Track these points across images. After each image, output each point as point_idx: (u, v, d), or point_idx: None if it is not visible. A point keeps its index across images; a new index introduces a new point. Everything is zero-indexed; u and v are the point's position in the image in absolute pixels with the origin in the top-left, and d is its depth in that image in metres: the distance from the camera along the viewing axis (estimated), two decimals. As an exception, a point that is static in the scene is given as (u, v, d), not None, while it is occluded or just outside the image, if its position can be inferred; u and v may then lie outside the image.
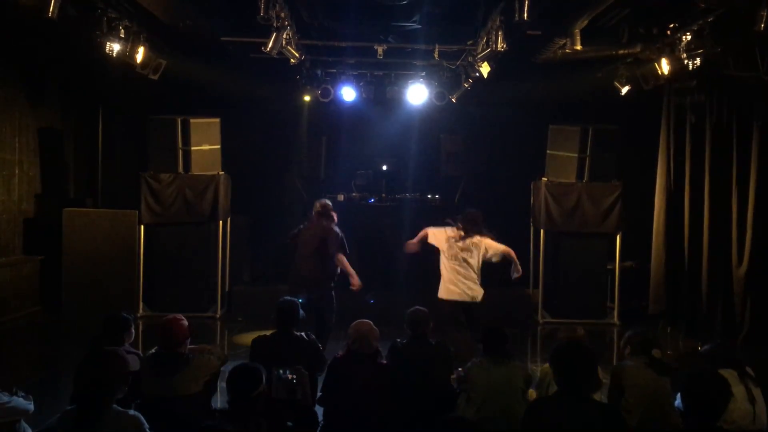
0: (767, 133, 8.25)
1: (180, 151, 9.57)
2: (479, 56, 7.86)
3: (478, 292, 6.75)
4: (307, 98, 10.71)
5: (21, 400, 4.04)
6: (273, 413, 3.75)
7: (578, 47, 7.52)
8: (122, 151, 10.97)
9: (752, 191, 8.31)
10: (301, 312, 5.20)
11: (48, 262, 9.53)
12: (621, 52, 8.44)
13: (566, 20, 7.19)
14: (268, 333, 5.07)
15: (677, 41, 7.49)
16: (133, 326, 4.89)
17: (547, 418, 3.51)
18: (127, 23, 7.79)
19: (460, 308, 6.76)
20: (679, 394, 3.55)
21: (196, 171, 9.64)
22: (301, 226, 7.40)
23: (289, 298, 5.28)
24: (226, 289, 10.00)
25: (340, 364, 4.67)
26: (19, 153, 9.45)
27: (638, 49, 8.31)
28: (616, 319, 9.66)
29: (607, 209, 9.61)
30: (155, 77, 8.98)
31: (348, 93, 10.47)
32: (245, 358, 5.04)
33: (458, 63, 9.21)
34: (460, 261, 6.75)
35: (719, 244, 8.74)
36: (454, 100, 10.50)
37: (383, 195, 10.89)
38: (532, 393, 4.75)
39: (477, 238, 6.79)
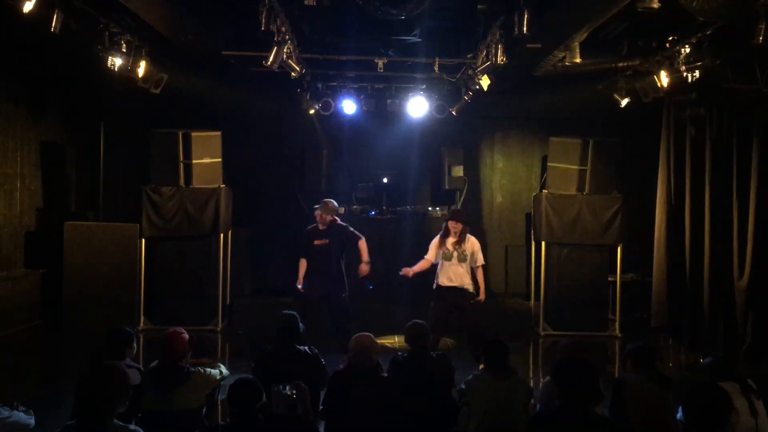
0: (767, 146, 8.27)
1: (181, 165, 9.59)
2: (479, 69, 7.90)
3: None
4: (309, 111, 10.74)
5: (22, 414, 4.03)
6: (274, 429, 3.74)
7: (578, 60, 7.56)
8: (124, 165, 10.99)
9: (753, 203, 8.31)
10: (301, 326, 5.20)
11: (49, 275, 9.52)
12: (620, 64, 8.48)
13: (566, 34, 7.23)
14: (270, 347, 5.07)
15: (676, 54, 7.52)
16: (135, 340, 4.87)
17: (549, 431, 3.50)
18: (128, 38, 7.83)
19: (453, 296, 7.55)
20: (680, 407, 3.54)
21: (197, 184, 9.66)
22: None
23: (288, 312, 5.28)
24: (227, 302, 10.00)
25: (341, 378, 4.66)
26: (21, 167, 9.47)
27: (637, 61, 8.35)
28: (617, 331, 9.64)
29: (607, 221, 9.62)
30: (157, 91, 9.02)
31: (349, 106, 10.51)
32: (246, 372, 5.04)
33: (458, 76, 9.25)
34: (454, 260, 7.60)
35: (720, 256, 8.73)
36: (454, 112, 10.53)
37: (384, 208, 10.90)
38: (534, 406, 4.74)
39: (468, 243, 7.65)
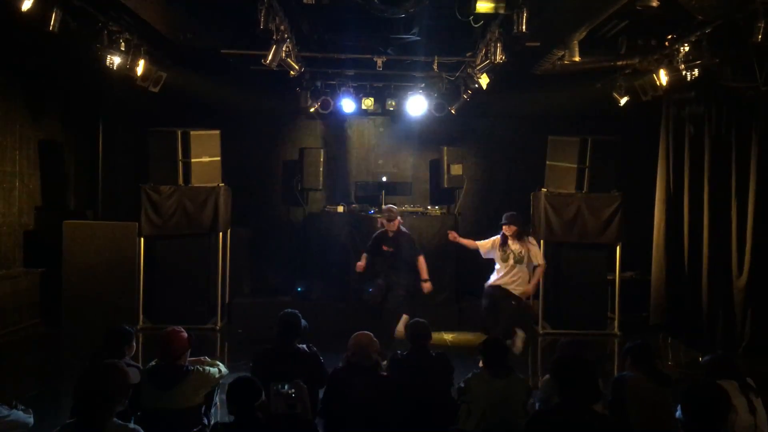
0: (766, 144, 8.28)
1: (180, 163, 9.58)
2: (478, 68, 7.89)
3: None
4: (308, 110, 10.73)
5: (21, 413, 4.03)
6: (273, 427, 3.74)
7: (577, 59, 7.55)
8: (122, 164, 10.99)
9: (751, 201, 8.32)
10: (304, 322, 5.16)
11: (48, 274, 9.52)
12: (619, 63, 8.47)
13: (564, 32, 7.22)
14: (268, 346, 5.06)
15: (675, 52, 7.51)
16: (134, 339, 4.87)
17: (548, 429, 3.50)
18: (127, 36, 7.83)
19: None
20: (679, 406, 3.55)
21: (196, 183, 9.66)
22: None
23: (290, 310, 5.24)
24: (226, 301, 10.00)
25: (340, 377, 4.66)
26: (20, 165, 9.46)
27: (636, 60, 8.34)
28: (616, 329, 9.64)
29: (606, 220, 9.60)
30: (156, 90, 9.01)
31: (348, 104, 10.51)
32: (245, 370, 5.04)
33: (457, 74, 9.23)
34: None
35: (719, 254, 8.74)
36: (453, 111, 10.53)
37: (383, 206, 10.89)
38: (533, 404, 4.74)
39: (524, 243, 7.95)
